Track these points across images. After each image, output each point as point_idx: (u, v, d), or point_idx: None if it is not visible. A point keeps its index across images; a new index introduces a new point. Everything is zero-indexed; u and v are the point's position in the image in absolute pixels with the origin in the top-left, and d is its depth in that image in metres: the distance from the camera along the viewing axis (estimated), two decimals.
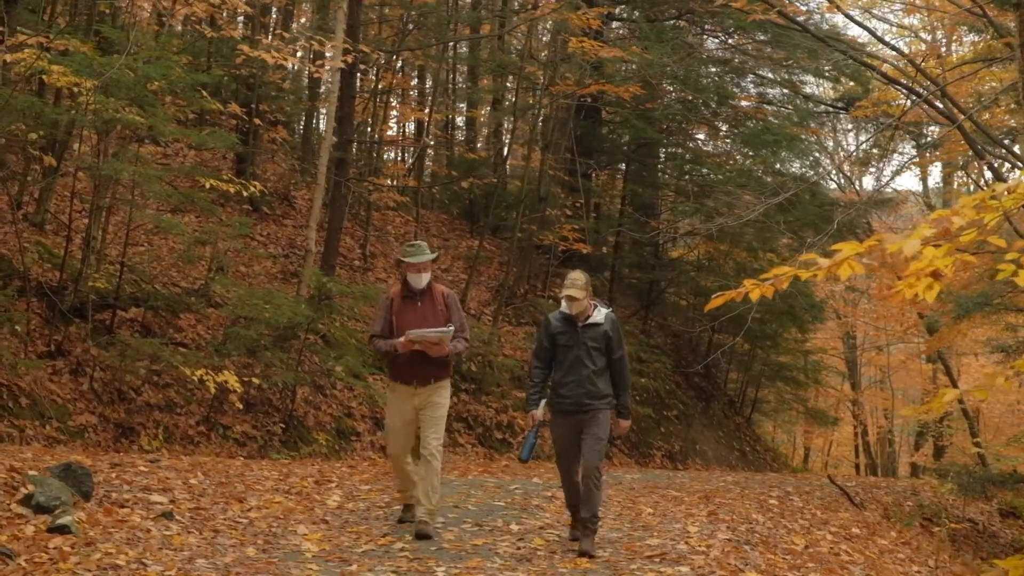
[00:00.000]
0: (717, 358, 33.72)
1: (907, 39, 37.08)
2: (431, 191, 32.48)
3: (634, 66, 28.53)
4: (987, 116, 22.71)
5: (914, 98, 20.45)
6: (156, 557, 10.88)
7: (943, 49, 39.20)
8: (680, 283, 34.25)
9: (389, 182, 31.30)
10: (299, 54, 23.57)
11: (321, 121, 33.36)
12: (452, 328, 11.64)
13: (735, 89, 31.91)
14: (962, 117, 17.83)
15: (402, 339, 11.55)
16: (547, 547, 12.02)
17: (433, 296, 11.91)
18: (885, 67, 22.08)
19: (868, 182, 45.17)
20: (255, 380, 19.30)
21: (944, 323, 26.82)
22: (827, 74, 31.55)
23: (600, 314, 11.41)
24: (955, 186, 46.06)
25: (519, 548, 11.96)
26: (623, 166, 34.57)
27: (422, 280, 11.83)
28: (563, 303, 11.39)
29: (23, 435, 15.97)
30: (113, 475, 13.32)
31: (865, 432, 52.25)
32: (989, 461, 30.97)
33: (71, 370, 18.16)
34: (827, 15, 32.37)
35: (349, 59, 20.98)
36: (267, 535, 11.93)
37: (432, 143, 35.47)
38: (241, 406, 19.26)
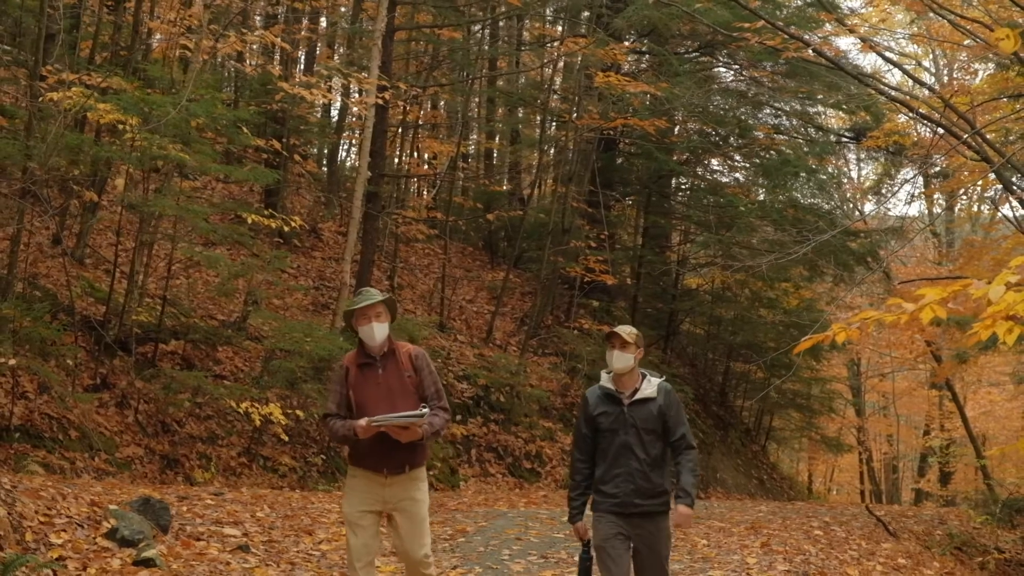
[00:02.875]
0: (732, 387, 34.16)
1: (911, 66, 37.39)
2: (456, 223, 32.80)
3: (648, 100, 28.90)
4: (1013, 150, 23.02)
5: (941, 132, 20.76)
6: None
7: (946, 76, 39.72)
8: (697, 312, 34.65)
9: (415, 214, 31.62)
10: (333, 90, 23.86)
11: (345, 154, 33.88)
12: (425, 409, 8.80)
13: (752, 121, 32.27)
14: (998, 159, 18.17)
15: (362, 422, 8.65)
16: None
17: (398, 359, 9.09)
18: (904, 99, 22.47)
19: (868, 209, 45.48)
20: (299, 413, 19.60)
21: (960, 352, 27.17)
22: (844, 106, 31.92)
23: (651, 386, 8.76)
24: (955, 211, 46.48)
25: None
26: (637, 198, 34.97)
27: (376, 334, 8.95)
28: (604, 376, 8.87)
29: (74, 467, 16.23)
30: (184, 508, 13.62)
31: (870, 458, 52.58)
32: (1001, 488, 31.26)
33: (116, 403, 18.47)
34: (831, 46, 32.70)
35: (387, 96, 21.34)
36: (341, 567, 12.23)
37: (463, 176, 36.01)
38: (286, 438, 19.56)
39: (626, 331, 8.68)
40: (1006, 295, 5.79)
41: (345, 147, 33.95)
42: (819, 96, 31.61)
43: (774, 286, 33.33)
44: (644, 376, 8.80)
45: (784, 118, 33.22)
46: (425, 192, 35.81)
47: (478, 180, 37.13)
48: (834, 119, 38.55)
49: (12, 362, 15.94)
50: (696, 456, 8.79)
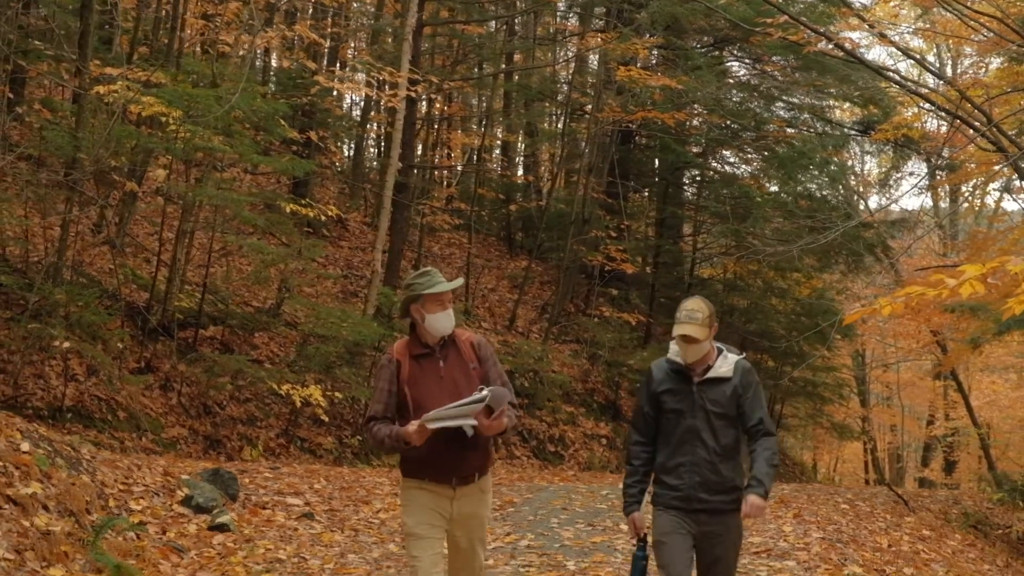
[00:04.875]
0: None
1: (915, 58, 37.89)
2: (480, 213, 33.41)
3: (656, 92, 29.39)
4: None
5: (958, 124, 21.39)
6: (311, 552, 11.86)
7: (949, 71, 40.26)
8: (711, 302, 35.21)
9: (440, 204, 32.28)
10: (368, 84, 24.48)
11: (371, 147, 34.49)
12: (485, 391, 7.23)
13: (766, 114, 32.81)
14: (1014, 150, 18.79)
15: (412, 426, 7.19)
16: None
17: (460, 349, 7.66)
18: (924, 93, 23.08)
19: (879, 201, 46.01)
20: (337, 395, 20.24)
21: (975, 337, 27.72)
22: (856, 100, 32.49)
23: (727, 363, 7.57)
24: (960, 204, 47.13)
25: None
26: (653, 189, 35.60)
27: (444, 323, 7.55)
28: (672, 348, 7.67)
29: (123, 446, 16.83)
30: (246, 480, 14.26)
31: (875, 448, 53.11)
32: (1005, 475, 31.89)
33: (160, 385, 19.13)
34: (850, 40, 33.18)
35: (420, 89, 21.98)
36: (401, 533, 12.85)
37: (494, 167, 36.72)
38: (327, 419, 20.20)
39: (696, 322, 7.40)
40: None
41: (370, 140, 34.58)
42: (831, 90, 32.16)
43: (786, 276, 33.86)
44: (720, 352, 7.62)
45: (796, 111, 33.74)
46: (448, 184, 36.42)
47: (501, 172, 37.79)
48: (840, 112, 39.07)
49: (66, 345, 16.59)
50: (775, 444, 7.61)
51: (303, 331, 21.90)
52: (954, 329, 32.39)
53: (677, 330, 7.40)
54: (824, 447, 51.55)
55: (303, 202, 21.74)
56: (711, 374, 7.50)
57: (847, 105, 36.41)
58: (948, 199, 46.75)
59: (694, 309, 7.45)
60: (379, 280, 22.93)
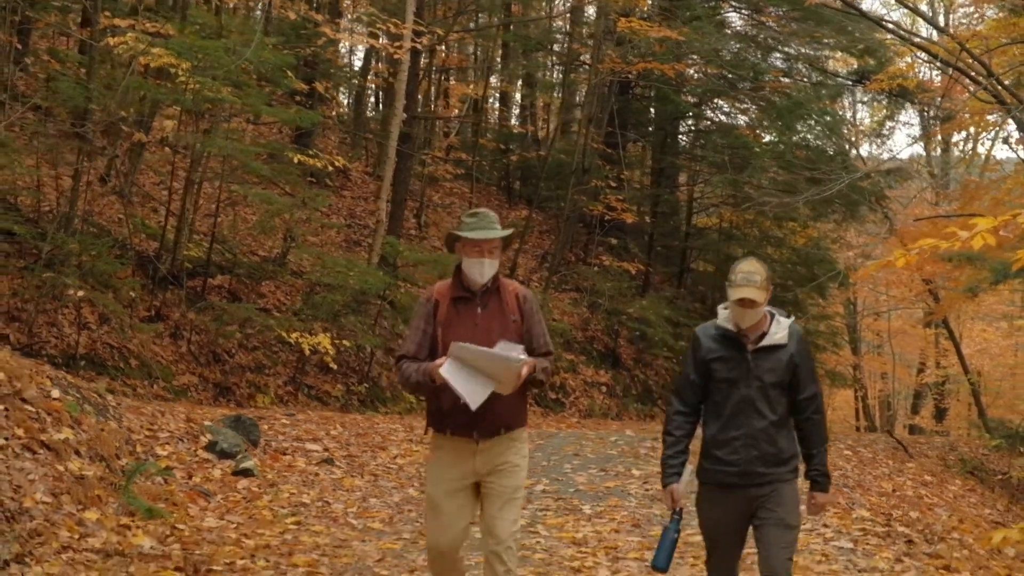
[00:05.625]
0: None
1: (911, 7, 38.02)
2: (480, 163, 33.61)
3: (656, 43, 29.48)
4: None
5: (958, 75, 21.64)
6: (334, 497, 12.19)
7: (941, 21, 40.39)
8: (707, 251, 35.49)
9: (442, 155, 32.47)
10: (368, 35, 24.62)
11: (372, 98, 34.68)
12: (523, 354, 7.05)
13: (763, 65, 32.96)
14: (1013, 101, 19.06)
15: (443, 360, 6.98)
16: None
17: (503, 298, 7.33)
18: (924, 44, 23.34)
19: (864, 150, 46.24)
20: (345, 343, 20.50)
21: (972, 286, 28.02)
22: (853, 50, 32.66)
23: (781, 329, 7.11)
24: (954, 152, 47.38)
25: (647, 490, 13.26)
26: (651, 139, 35.80)
27: (486, 270, 7.21)
28: (721, 312, 7.22)
29: (136, 393, 17.09)
30: (265, 427, 14.55)
31: (865, 396, 53.46)
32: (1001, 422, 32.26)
33: (170, 333, 19.39)
34: None
35: (425, 40, 22.16)
36: (420, 479, 13.21)
37: (489, 119, 36.95)
38: (335, 366, 20.46)
39: (755, 285, 6.93)
40: None
41: (369, 90, 34.70)
42: (828, 40, 32.34)
43: (782, 225, 34.11)
44: (772, 317, 7.17)
45: (792, 62, 33.89)
46: (449, 134, 36.58)
47: (501, 123, 37.98)
48: (834, 63, 39.19)
49: (79, 294, 16.84)
50: (826, 419, 7.31)
51: (309, 280, 22.15)
52: (947, 278, 32.64)
53: (735, 293, 6.91)
54: None
55: (310, 152, 21.97)
56: (766, 341, 7.06)
57: (839, 54, 36.56)
58: (940, 149, 46.94)
59: (751, 271, 6.99)
60: (383, 229, 23.16)
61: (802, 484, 7.18)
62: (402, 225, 25.92)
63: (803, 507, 7.27)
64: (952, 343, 39.78)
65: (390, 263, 23.50)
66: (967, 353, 42.00)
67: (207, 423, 13.52)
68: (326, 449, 14.19)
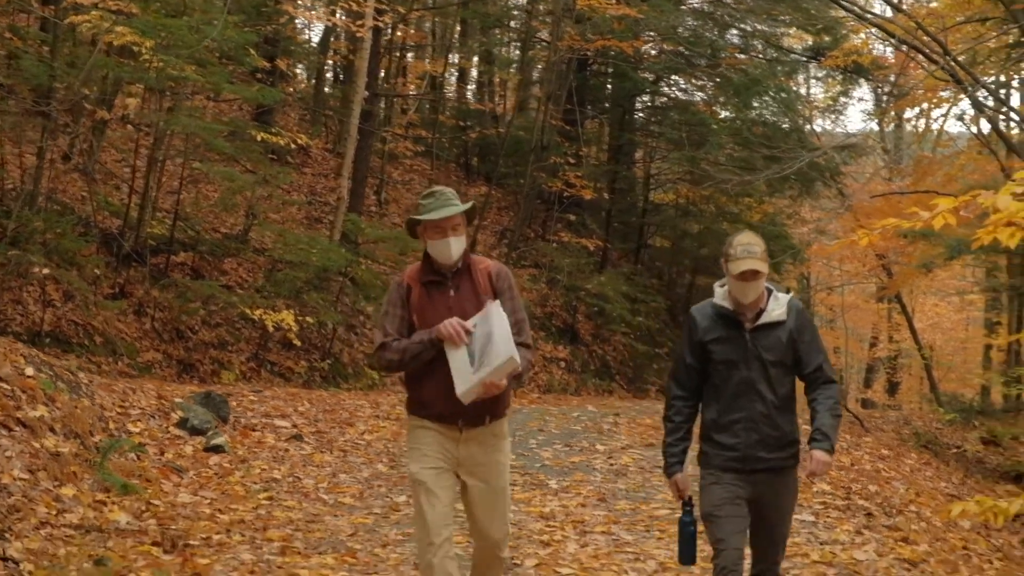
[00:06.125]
0: (698, 298, 35.47)
1: None
2: (440, 140, 33.74)
3: (616, 21, 29.62)
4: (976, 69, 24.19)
5: (913, 53, 21.96)
6: (304, 472, 12.39)
7: None
8: (664, 227, 35.78)
9: (403, 132, 32.57)
10: (332, 13, 24.68)
11: (330, 74, 34.72)
12: (514, 353, 6.63)
13: (721, 41, 33.17)
14: (967, 79, 19.37)
15: (453, 320, 6.76)
16: (636, 464, 13.57)
17: (474, 278, 7.03)
18: (880, 23, 23.64)
19: (818, 126, 46.52)
20: (308, 320, 20.62)
21: (927, 262, 28.42)
22: (809, 27, 32.92)
23: (780, 305, 6.89)
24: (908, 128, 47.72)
25: (612, 464, 13.51)
26: (609, 116, 36.02)
27: (453, 248, 6.90)
28: (718, 291, 7.01)
29: (100, 370, 17.17)
30: (233, 403, 14.70)
31: None
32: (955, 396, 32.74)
33: (134, 311, 19.48)
34: None
35: (387, 19, 22.29)
36: (388, 454, 13.44)
37: (454, 94, 37.15)
38: (299, 343, 20.59)
39: (757, 256, 6.72)
40: (1012, 204, 6.18)
41: (328, 68, 34.73)
42: (784, 17, 32.61)
43: (738, 201, 34.40)
44: (770, 293, 6.93)
45: (749, 39, 34.12)
46: (407, 111, 36.64)
47: (460, 99, 38.11)
48: (790, 40, 39.45)
49: (44, 271, 16.92)
50: (838, 393, 7.05)
51: (271, 257, 22.28)
52: (901, 253, 32.98)
53: (738, 267, 6.68)
54: None
55: (273, 130, 22.08)
56: (764, 319, 6.83)
57: (795, 31, 36.82)
58: (893, 125, 47.28)
59: (750, 243, 6.77)
60: (344, 207, 23.30)
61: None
62: (363, 202, 26.07)
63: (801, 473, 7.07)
64: (905, 317, 40.15)
65: (351, 240, 23.66)
66: (919, 327, 42.50)
67: (178, 400, 13.67)
68: (295, 425, 14.37)
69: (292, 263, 21.41)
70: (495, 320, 6.63)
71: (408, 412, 7.13)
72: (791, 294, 6.94)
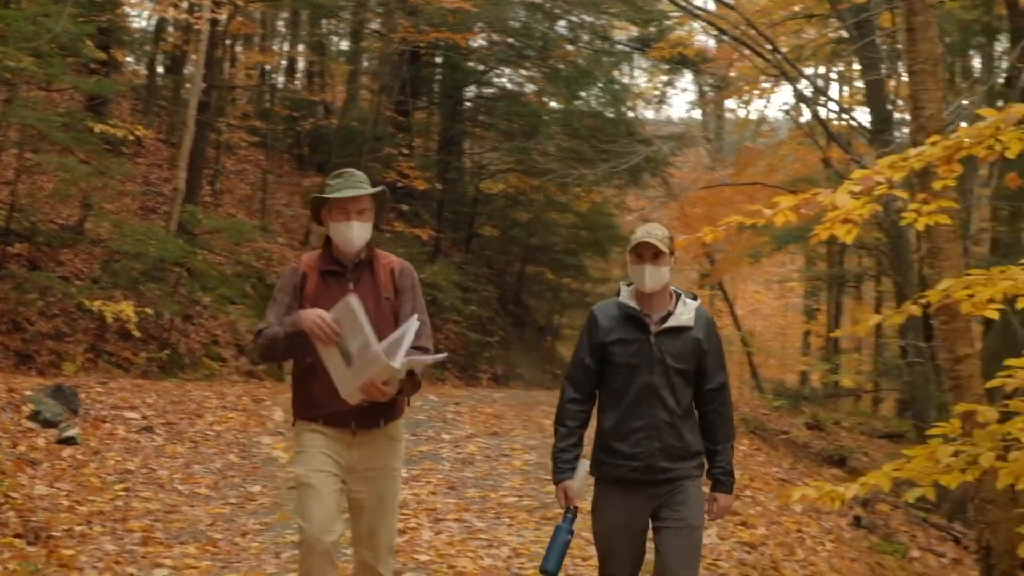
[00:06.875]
0: (527, 287, 36.15)
1: None
2: (274, 130, 33.77)
3: (449, 13, 29.91)
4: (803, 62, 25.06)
5: (740, 47, 22.72)
6: (158, 464, 12.60)
7: None
8: (494, 216, 36.26)
9: (238, 122, 32.55)
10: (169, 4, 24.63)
11: (162, 65, 34.54)
12: (431, 355, 6.58)
13: (551, 33, 33.62)
14: (793, 72, 20.12)
15: (317, 311, 6.30)
16: (481, 452, 13.98)
17: (375, 273, 6.67)
18: (710, 18, 24.41)
19: (643, 115, 47.34)
20: (148, 311, 20.64)
21: (755, 252, 29.27)
22: (636, 20, 33.59)
23: (688, 310, 6.67)
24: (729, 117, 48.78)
25: (459, 453, 13.90)
26: (440, 106, 36.39)
27: (355, 235, 6.53)
28: (624, 290, 6.78)
29: None
30: (82, 395, 14.77)
31: None
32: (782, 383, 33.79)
33: None
34: None
35: (224, 12, 22.41)
36: (239, 445, 13.68)
37: (291, 84, 37.23)
38: (139, 334, 20.59)
39: (658, 236, 6.53)
40: (848, 202, 6.57)
41: (160, 58, 34.54)
42: (612, 10, 33.22)
43: (567, 191, 34.95)
44: (678, 296, 6.73)
45: (577, 30, 34.63)
46: (238, 101, 36.55)
47: (292, 90, 38.13)
48: (618, 30, 40.11)
49: None
50: (732, 410, 6.87)
51: (108, 248, 22.24)
52: (725, 242, 33.80)
53: (638, 239, 6.53)
54: None
55: (111, 121, 22.06)
56: (671, 322, 6.58)
57: (619, 22, 37.46)
58: (716, 116, 48.28)
59: (651, 228, 6.65)
60: (181, 198, 23.34)
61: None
62: (199, 193, 26.12)
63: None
64: (726, 304, 41.12)
65: (188, 231, 23.71)
66: (740, 314, 43.52)
67: (28, 392, 13.74)
68: (144, 417, 14.51)
69: (129, 254, 21.40)
70: (362, 317, 6.10)
71: (296, 416, 6.70)
72: (699, 302, 6.75)
